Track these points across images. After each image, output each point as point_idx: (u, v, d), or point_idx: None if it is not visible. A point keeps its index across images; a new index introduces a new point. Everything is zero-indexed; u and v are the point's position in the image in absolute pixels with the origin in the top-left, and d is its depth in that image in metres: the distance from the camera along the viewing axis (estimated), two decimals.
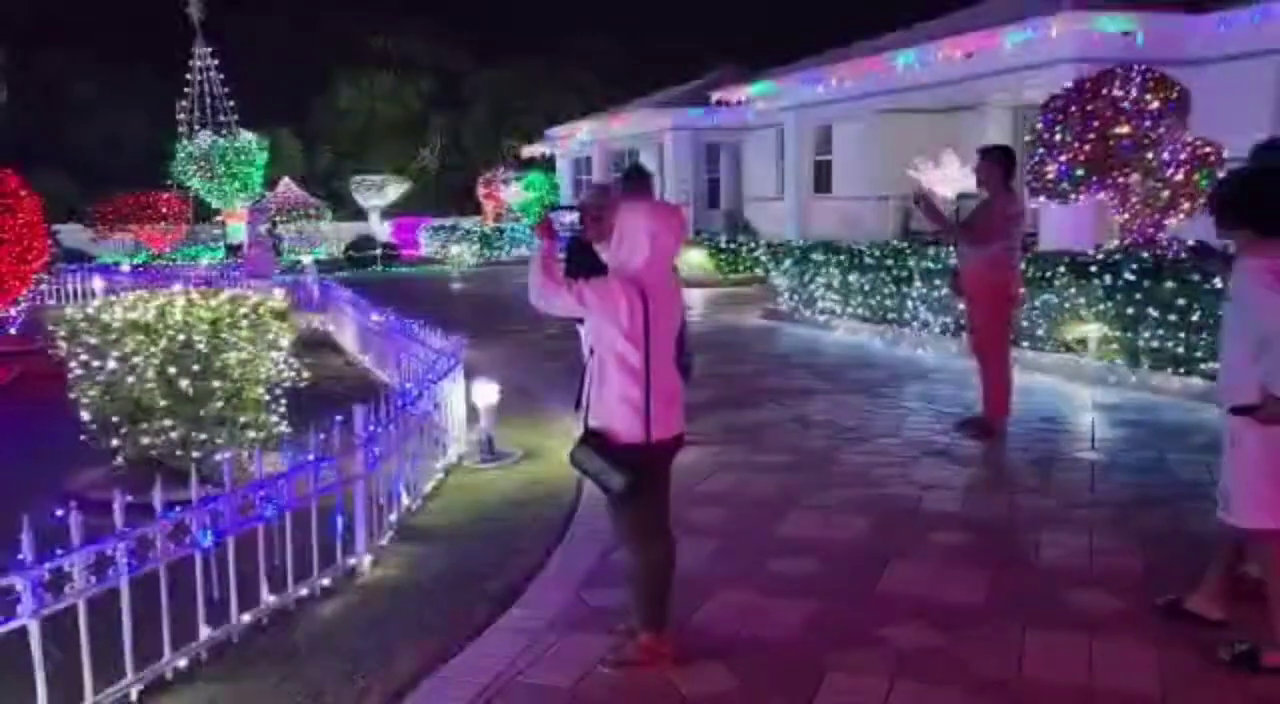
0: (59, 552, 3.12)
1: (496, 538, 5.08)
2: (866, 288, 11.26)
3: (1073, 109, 9.90)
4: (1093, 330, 8.37)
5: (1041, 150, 10.18)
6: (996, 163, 6.63)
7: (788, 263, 12.85)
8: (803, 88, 18.03)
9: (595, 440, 3.46)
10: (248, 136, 28.99)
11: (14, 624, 3.01)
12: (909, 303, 10.58)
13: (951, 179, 15.03)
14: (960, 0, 17.16)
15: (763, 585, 4.38)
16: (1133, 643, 3.73)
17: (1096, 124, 9.74)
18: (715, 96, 20.50)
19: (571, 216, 3.94)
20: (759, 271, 16.62)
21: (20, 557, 3.03)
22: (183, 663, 3.60)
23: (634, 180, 7.03)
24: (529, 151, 32.97)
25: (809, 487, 5.82)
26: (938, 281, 9.90)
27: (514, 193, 30.15)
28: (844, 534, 5.01)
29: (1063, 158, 9.90)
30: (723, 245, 18.29)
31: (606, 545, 4.77)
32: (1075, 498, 5.46)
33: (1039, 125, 10.30)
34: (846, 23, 23.72)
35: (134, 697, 3.41)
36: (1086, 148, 9.78)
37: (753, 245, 17.87)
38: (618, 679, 3.56)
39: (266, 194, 29.71)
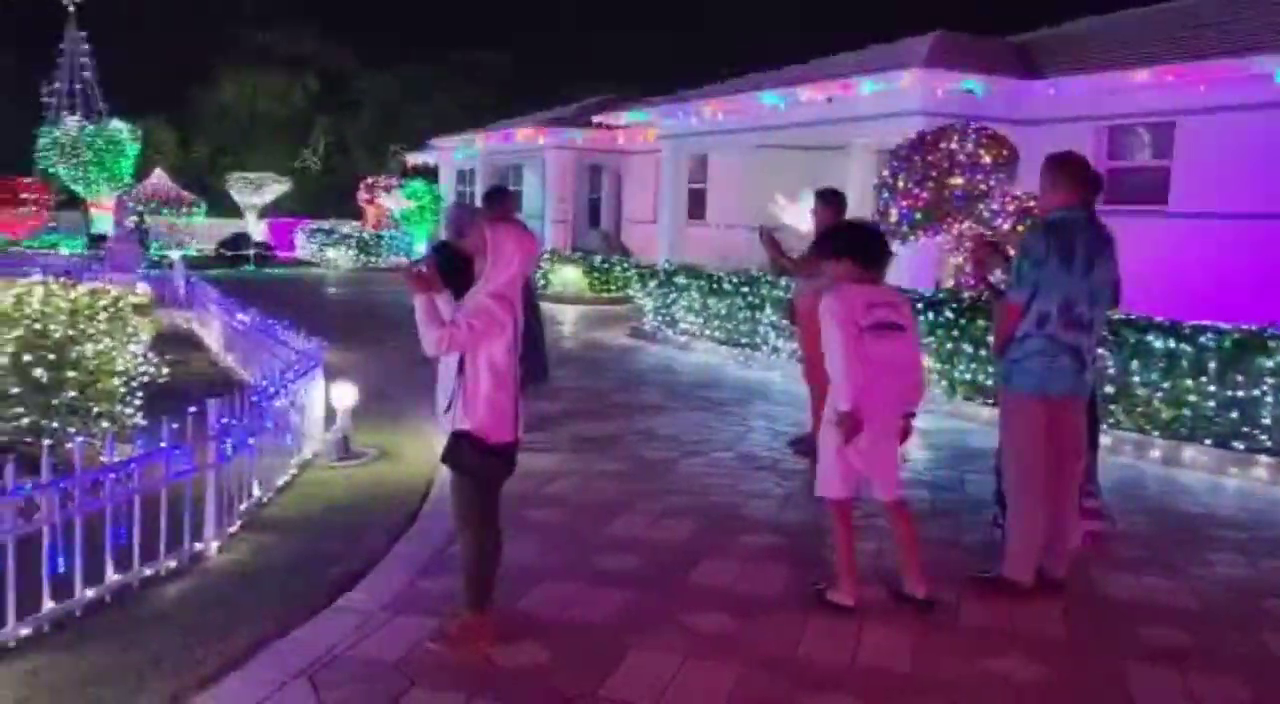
0: None
1: (342, 530, 5.37)
2: (724, 312, 11.91)
3: (914, 158, 10.76)
4: None
5: (886, 194, 11.01)
6: (828, 204, 7.31)
7: (653, 284, 13.45)
8: (677, 119, 18.78)
9: (468, 440, 3.85)
10: (119, 125, 28.15)
11: None
12: (761, 328, 11.26)
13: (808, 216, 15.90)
14: (834, 48, 18.19)
15: (586, 577, 4.82)
16: (897, 628, 4.32)
17: (934, 174, 10.61)
18: (596, 120, 21.08)
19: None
20: (630, 291, 17.19)
21: None
22: (26, 632, 3.81)
23: (496, 199, 7.48)
24: (413, 160, 32.89)
25: (643, 493, 6.31)
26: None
27: (396, 201, 30.05)
28: (667, 535, 5.50)
29: (904, 203, 10.74)
30: (597, 264, 18.80)
31: (445, 537, 5.14)
32: (875, 508, 6.05)
33: (885, 172, 11.15)
34: (732, 56, 24.69)
35: None
36: (925, 195, 10.64)
37: (626, 266, 18.45)
38: (440, 654, 3.94)
39: (136, 185, 28.84)
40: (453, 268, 5.96)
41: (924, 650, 4.12)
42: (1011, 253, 5.38)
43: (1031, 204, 10.75)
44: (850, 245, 4.58)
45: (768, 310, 11.19)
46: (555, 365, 9.28)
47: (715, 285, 12.16)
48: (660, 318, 13.32)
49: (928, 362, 9.03)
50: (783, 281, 11.13)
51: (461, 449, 3.86)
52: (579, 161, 24.73)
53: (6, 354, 5.65)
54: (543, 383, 7.89)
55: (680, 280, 12.86)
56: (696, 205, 20.68)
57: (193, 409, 4.86)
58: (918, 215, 10.82)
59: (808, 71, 16.41)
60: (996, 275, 5.65)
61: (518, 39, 44.57)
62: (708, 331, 12.29)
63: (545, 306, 10.53)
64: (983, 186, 10.73)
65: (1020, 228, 10.70)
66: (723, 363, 11.68)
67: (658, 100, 19.70)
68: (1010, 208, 10.76)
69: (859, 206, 15.71)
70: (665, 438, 7.89)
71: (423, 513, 5.73)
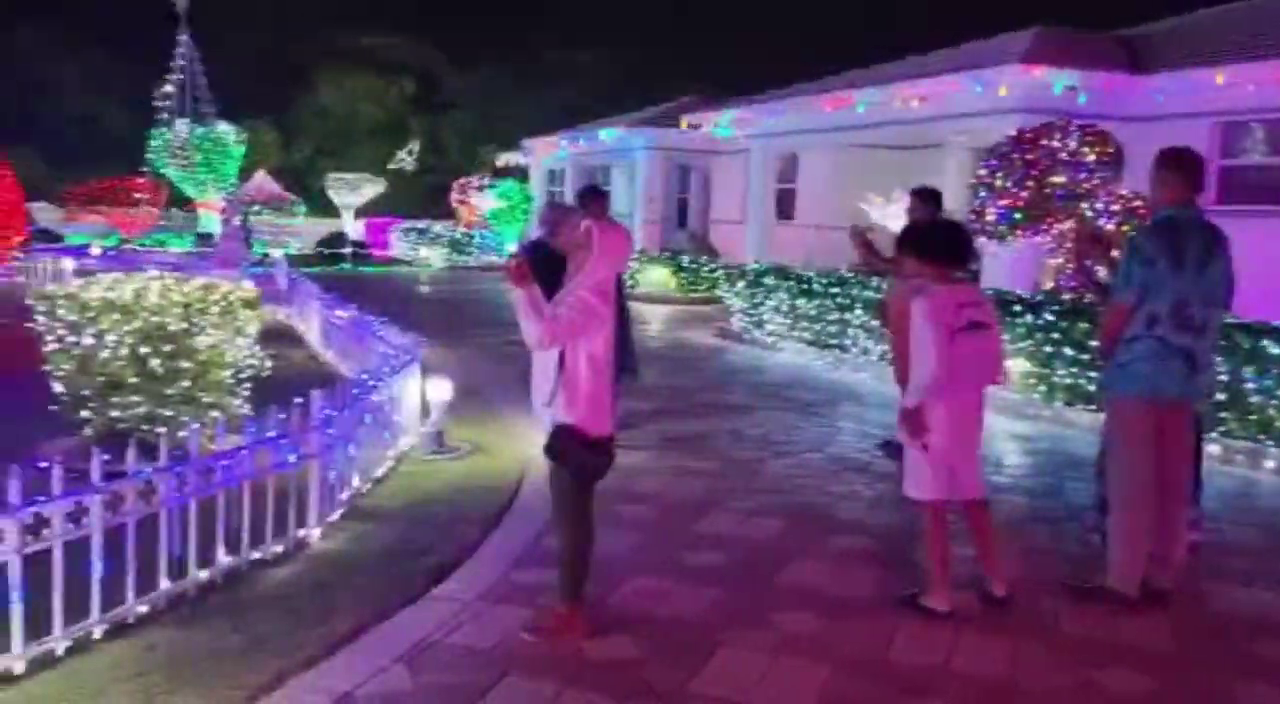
0: (41, 499, 3.53)
1: (438, 521, 5.50)
2: (813, 313, 11.81)
3: (1013, 157, 10.51)
4: (1015, 365, 8.94)
5: (983, 193, 10.77)
6: (925, 202, 7.21)
7: (740, 285, 13.41)
8: (768, 118, 18.69)
9: (571, 434, 3.91)
10: (225, 128, 29.20)
11: None
12: (850, 330, 11.14)
13: (901, 215, 15.70)
14: (925, 44, 17.89)
15: (675, 573, 4.84)
16: (993, 634, 4.24)
17: (1034, 173, 10.35)
18: (686, 120, 21.12)
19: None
20: (717, 292, 17.18)
21: (8, 501, 3.43)
22: (144, 609, 4.00)
23: (590, 199, 7.55)
24: (504, 160, 33.39)
25: (732, 491, 6.30)
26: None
27: (488, 201, 30.53)
28: (756, 533, 5.49)
29: (1002, 202, 10.49)
30: (685, 264, 18.82)
31: (537, 531, 5.24)
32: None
33: (981, 170, 10.92)
34: (819, 56, 24.45)
35: (98, 634, 3.81)
36: (1024, 194, 10.38)
37: (713, 266, 18.43)
38: (534, 644, 4.00)
39: (240, 185, 29.88)
40: (546, 266, 6.09)
41: (1021, 659, 4.04)
42: (1115, 253, 5.23)
43: (1138, 204, 10.41)
44: (934, 244, 4.57)
45: (858, 311, 11.06)
46: (643, 364, 9.35)
47: (804, 286, 12.07)
48: (748, 318, 13.27)
49: (1026, 365, 8.83)
50: (874, 282, 10.99)
51: (565, 442, 3.92)
52: (668, 161, 24.78)
53: (126, 345, 5.93)
54: (634, 381, 7.95)
55: (769, 281, 12.80)
56: (785, 205, 20.55)
57: (298, 401, 5.02)
58: (1016, 215, 10.56)
59: (902, 69, 16.16)
60: (1101, 273, 5.49)
61: (608, 41, 44.88)
62: (795, 332, 12.21)
63: (633, 306, 10.59)
64: (1086, 186, 10.43)
65: (1125, 228, 10.37)
66: (811, 364, 11.58)
67: (747, 100, 19.64)
68: (1115, 207, 10.43)
69: (954, 206, 15.35)
70: (753, 438, 7.87)
71: (515, 507, 5.82)
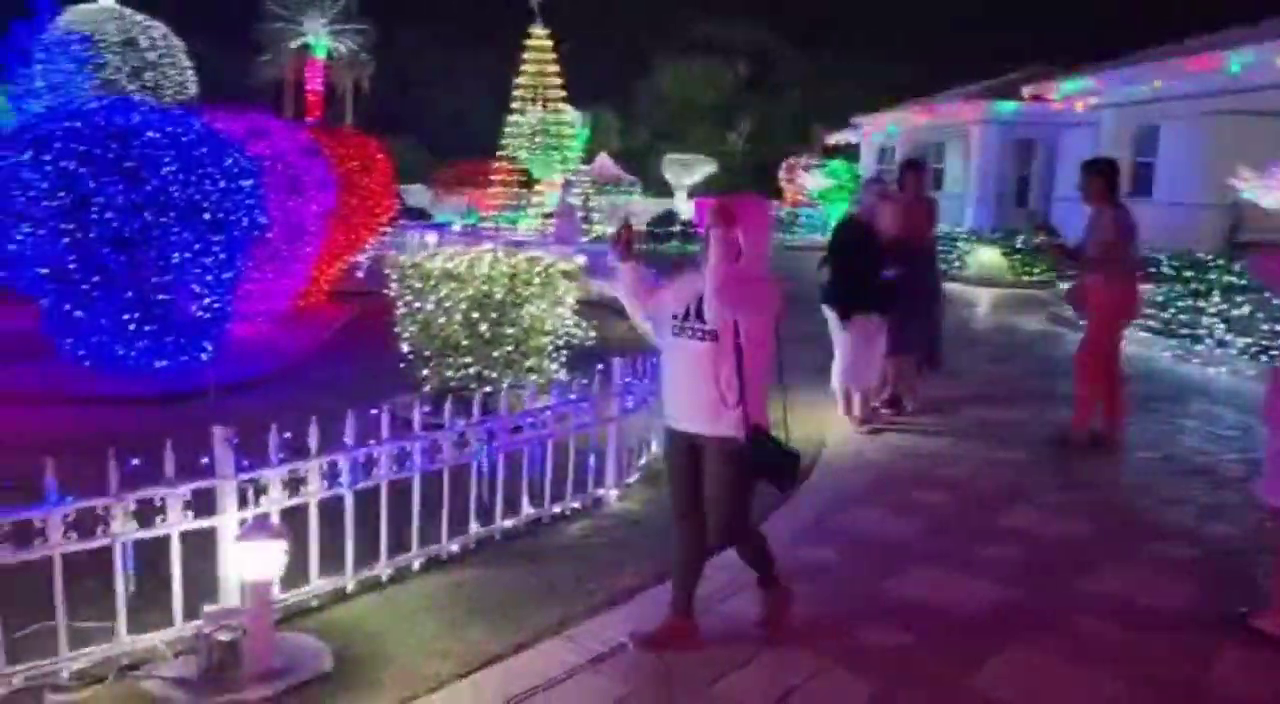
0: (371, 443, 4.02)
1: None
2: (1159, 299, 10.68)
3: None
4: None
5: None
6: (1098, 175, 6.36)
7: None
8: (1122, 85, 17.00)
9: (765, 435, 3.65)
10: (571, 113, 31.15)
11: (335, 491, 3.92)
12: (1204, 319, 9.96)
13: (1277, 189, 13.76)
14: None
15: (966, 566, 4.62)
16: None
17: None
18: (1027, 91, 19.74)
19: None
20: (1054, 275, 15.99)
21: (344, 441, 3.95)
22: (455, 548, 4.44)
23: (910, 171, 7.45)
24: (834, 139, 33.00)
25: (1041, 485, 5.90)
26: (1239, 298, 9.30)
27: (816, 180, 30.36)
28: (1061, 532, 5.12)
29: None
30: (1018, 245, 17.65)
31: (820, 511, 5.20)
32: None
33: None
34: (1164, 24, 21.85)
35: (415, 567, 4.28)
36: None
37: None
38: (803, 616, 3.97)
39: (583, 167, 31.80)
40: (850, 237, 6.10)
41: None
42: None
43: None
44: None
45: (1215, 298, 9.86)
46: (962, 349, 8.96)
47: (1152, 269, 10.94)
48: None
49: None
50: (1237, 266, 9.79)
51: (767, 446, 3.62)
52: (1005, 136, 23.31)
53: (460, 311, 6.55)
54: (935, 371, 7.71)
55: None
56: (1141, 180, 18.65)
57: (600, 367, 5.32)
58: None
59: None
60: None
61: (943, 17, 42.95)
62: (1139, 319, 11.09)
63: (957, 288, 10.14)
64: None
65: None
66: (1156, 355, 10.47)
67: (1098, 66, 18.00)
68: None
69: None
70: None
71: (802, 485, 5.78)
